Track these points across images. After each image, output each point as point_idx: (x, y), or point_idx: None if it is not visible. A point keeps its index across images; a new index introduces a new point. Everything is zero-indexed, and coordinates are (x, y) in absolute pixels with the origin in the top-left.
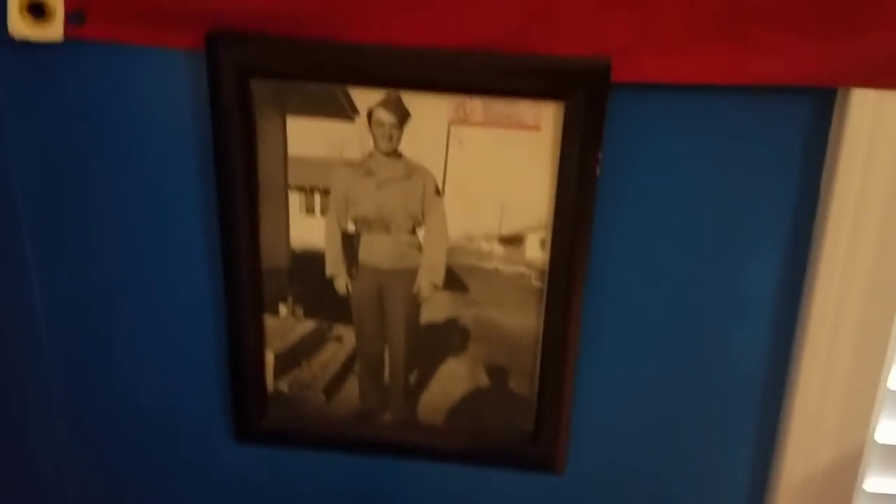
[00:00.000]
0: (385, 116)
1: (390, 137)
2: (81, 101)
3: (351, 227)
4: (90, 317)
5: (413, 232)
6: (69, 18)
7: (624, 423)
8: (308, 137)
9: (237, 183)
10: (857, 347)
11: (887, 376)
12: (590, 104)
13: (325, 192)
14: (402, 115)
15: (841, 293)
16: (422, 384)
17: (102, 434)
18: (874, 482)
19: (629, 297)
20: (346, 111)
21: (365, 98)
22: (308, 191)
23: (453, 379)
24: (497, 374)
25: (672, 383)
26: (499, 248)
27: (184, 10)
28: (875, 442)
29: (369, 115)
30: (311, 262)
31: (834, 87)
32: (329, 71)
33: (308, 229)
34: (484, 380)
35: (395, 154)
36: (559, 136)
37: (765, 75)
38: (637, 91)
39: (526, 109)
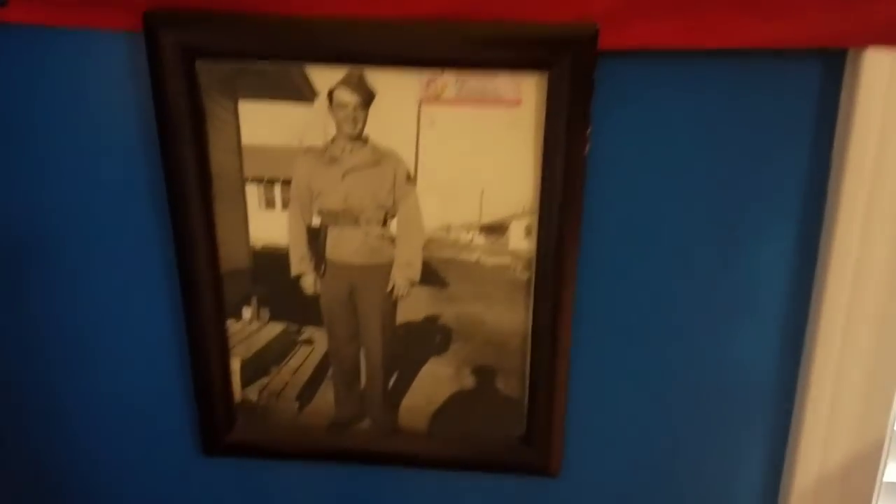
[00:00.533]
0: (347, 97)
1: (354, 120)
2: (6, 91)
3: (316, 221)
4: (32, 335)
5: (384, 224)
6: None
7: (623, 420)
8: (264, 124)
9: (188, 177)
10: (874, 331)
11: None
12: (576, 74)
13: (286, 184)
14: (367, 95)
15: (857, 275)
16: (402, 388)
17: (59, 457)
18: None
19: (625, 285)
20: (303, 93)
21: (324, 77)
22: (267, 182)
23: (436, 381)
24: (483, 374)
25: (674, 376)
26: (480, 239)
27: None
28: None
29: (330, 97)
30: (274, 260)
31: (847, 48)
32: (283, 48)
33: (269, 225)
34: (469, 381)
35: (361, 139)
36: (543, 110)
37: (773, 38)
38: (627, 59)
39: (505, 83)
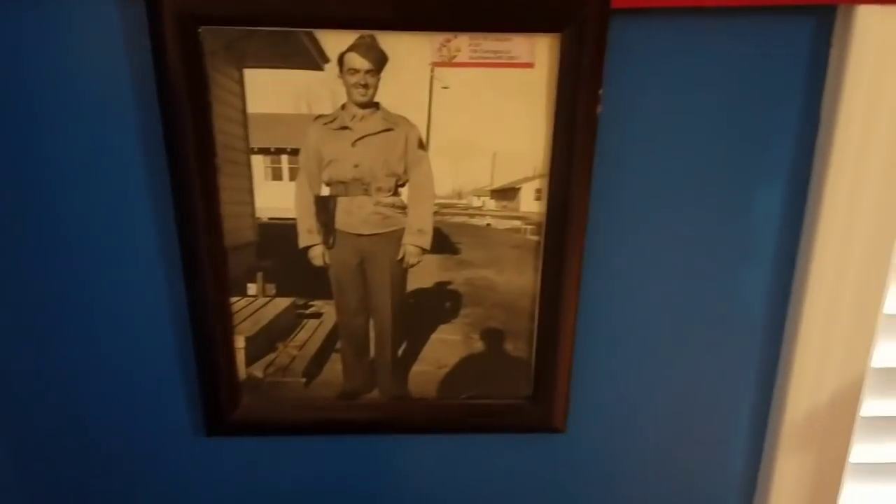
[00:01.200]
0: (359, 62)
1: (366, 86)
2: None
3: (325, 191)
4: (32, 314)
5: (395, 192)
6: None
7: (625, 374)
8: (270, 91)
9: (190, 149)
10: (859, 276)
11: (885, 303)
12: (589, 35)
13: (294, 154)
14: (379, 60)
15: (845, 223)
16: (411, 356)
17: (58, 438)
18: (870, 405)
19: (631, 243)
20: (313, 59)
21: (335, 42)
22: (274, 153)
23: (446, 347)
24: (492, 337)
25: (675, 327)
26: (491, 203)
27: None
28: (871, 367)
29: (340, 62)
30: (281, 233)
31: (840, 4)
32: (291, 13)
33: (276, 196)
34: (478, 345)
35: (372, 105)
36: (556, 72)
37: None
38: (636, 19)
39: (518, 45)
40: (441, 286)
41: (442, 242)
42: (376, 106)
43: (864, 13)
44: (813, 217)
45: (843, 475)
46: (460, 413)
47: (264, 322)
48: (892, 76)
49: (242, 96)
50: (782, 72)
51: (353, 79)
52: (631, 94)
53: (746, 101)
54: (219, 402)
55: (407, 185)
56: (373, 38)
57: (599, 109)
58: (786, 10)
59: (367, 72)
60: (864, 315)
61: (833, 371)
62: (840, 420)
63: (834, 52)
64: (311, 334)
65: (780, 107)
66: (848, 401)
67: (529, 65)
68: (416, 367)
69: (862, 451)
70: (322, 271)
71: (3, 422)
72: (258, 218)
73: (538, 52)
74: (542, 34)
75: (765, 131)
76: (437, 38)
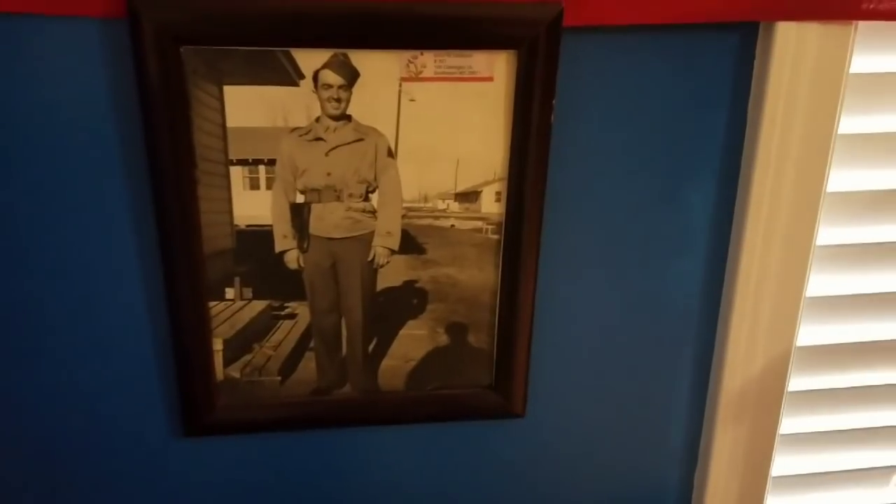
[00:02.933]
0: (332, 78)
1: (338, 100)
2: None
3: (300, 198)
4: (14, 318)
5: (366, 198)
6: None
7: (578, 361)
8: (248, 106)
9: (171, 163)
10: (784, 264)
11: (806, 288)
12: (543, 51)
13: (271, 164)
14: (351, 76)
15: (769, 218)
16: (381, 351)
17: (36, 440)
18: (796, 381)
19: (581, 239)
20: (289, 75)
21: (310, 60)
22: (251, 163)
23: (413, 342)
24: (456, 331)
25: (621, 315)
26: (454, 205)
27: None
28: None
29: (315, 78)
30: (258, 239)
31: (762, 21)
32: (269, 33)
33: (253, 205)
34: (443, 339)
35: (345, 117)
36: (513, 85)
37: (702, 13)
38: (584, 35)
39: (478, 61)
40: (408, 284)
41: (409, 243)
42: (348, 118)
43: (782, 29)
44: (741, 211)
45: (774, 445)
46: (427, 403)
47: (241, 325)
48: (807, 84)
49: (222, 111)
50: (712, 80)
51: (327, 93)
52: (581, 103)
53: (681, 106)
54: (197, 403)
55: (377, 190)
56: (345, 56)
57: (553, 118)
58: (715, 26)
59: (340, 87)
60: (788, 299)
61: (761, 351)
62: (770, 395)
63: (757, 63)
64: (285, 335)
65: (710, 111)
66: (776, 377)
67: (489, 79)
68: (386, 362)
69: (790, 423)
70: (296, 274)
71: None
72: (236, 225)
73: (497, 67)
74: (500, 51)
75: (698, 134)
76: (405, 56)
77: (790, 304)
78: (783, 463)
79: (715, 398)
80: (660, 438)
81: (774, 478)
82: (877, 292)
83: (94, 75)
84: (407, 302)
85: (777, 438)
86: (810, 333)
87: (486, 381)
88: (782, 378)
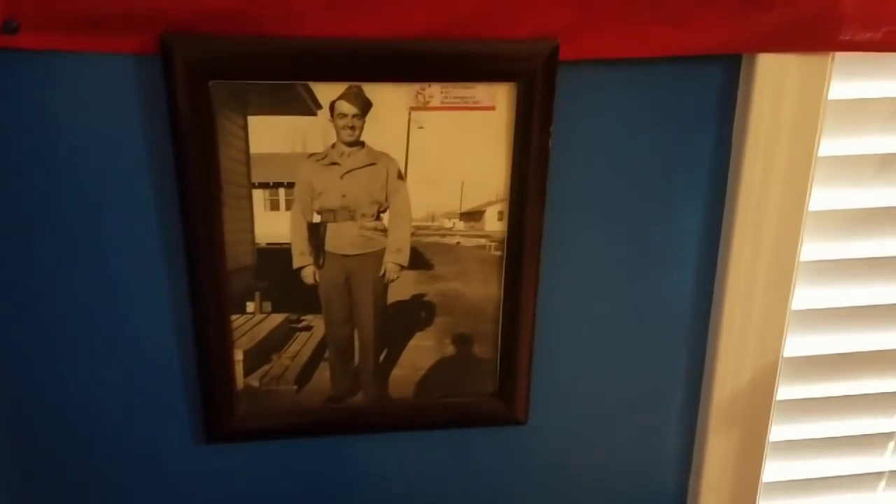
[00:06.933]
0: (347, 108)
1: (353, 128)
2: (23, 113)
3: (316, 218)
4: (44, 326)
5: (378, 217)
6: (2, 29)
7: (578, 370)
8: (270, 134)
9: (199, 187)
10: (770, 279)
11: (792, 301)
12: (541, 82)
13: (290, 187)
14: (364, 106)
15: (754, 237)
16: (391, 361)
17: (63, 445)
18: (784, 390)
19: (579, 254)
20: (308, 106)
21: (327, 92)
22: (272, 186)
23: (421, 352)
24: (462, 342)
25: (618, 326)
26: (460, 224)
27: (127, 14)
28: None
29: (331, 108)
30: (277, 256)
31: (745, 53)
32: (290, 68)
33: (273, 224)
34: (450, 349)
35: (358, 143)
36: (513, 113)
37: (689, 47)
38: (579, 68)
39: (482, 91)
40: (417, 298)
41: (418, 259)
42: (362, 144)
43: (763, 59)
44: (728, 230)
45: (764, 452)
46: (435, 411)
47: (261, 336)
48: (788, 110)
49: (246, 139)
50: (699, 107)
51: (342, 122)
52: (577, 129)
53: (670, 131)
54: (218, 411)
55: (388, 211)
56: (359, 88)
57: (551, 143)
58: (701, 59)
59: (354, 116)
60: (775, 312)
61: (750, 361)
62: (759, 404)
63: (740, 92)
64: (302, 346)
65: (698, 136)
66: (764, 387)
67: (491, 108)
68: (396, 372)
69: (780, 430)
70: (312, 289)
71: (3, 429)
72: (257, 243)
73: (498, 97)
74: (502, 83)
75: (687, 157)
76: (414, 87)
77: (777, 317)
78: (774, 469)
79: (707, 407)
80: (655, 445)
81: (766, 483)
82: (859, 305)
83: (128, 107)
84: (416, 314)
85: (767, 445)
86: (796, 344)
87: (490, 389)
88: (771, 387)
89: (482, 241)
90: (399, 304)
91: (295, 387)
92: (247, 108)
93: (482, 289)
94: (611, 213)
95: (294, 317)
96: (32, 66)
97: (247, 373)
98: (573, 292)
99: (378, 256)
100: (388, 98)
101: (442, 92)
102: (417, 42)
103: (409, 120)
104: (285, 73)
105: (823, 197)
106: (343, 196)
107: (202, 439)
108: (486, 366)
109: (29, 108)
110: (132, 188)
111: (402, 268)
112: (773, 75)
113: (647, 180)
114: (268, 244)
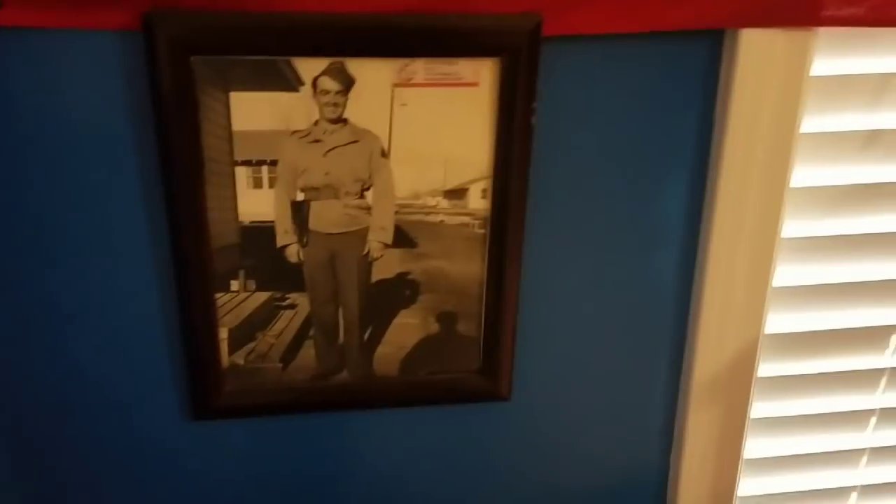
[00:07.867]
0: (330, 84)
1: (336, 105)
2: (2, 91)
3: (300, 196)
4: (29, 306)
5: (361, 195)
6: None
7: (561, 347)
8: (253, 111)
9: (181, 165)
10: (751, 256)
11: (773, 278)
12: (524, 58)
13: (273, 164)
14: (347, 82)
15: (736, 213)
16: (376, 339)
17: (48, 424)
18: (765, 367)
19: (563, 232)
20: (290, 82)
21: (309, 68)
22: (255, 164)
23: (406, 330)
24: (446, 319)
25: (601, 303)
26: (444, 202)
27: None
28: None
29: (314, 85)
30: (261, 234)
31: (728, 29)
32: (272, 43)
33: (257, 203)
34: (434, 327)
35: (342, 121)
36: (497, 90)
37: (673, 22)
38: (564, 43)
39: (465, 68)
40: (401, 276)
41: (402, 238)
42: (345, 121)
43: (746, 35)
44: (710, 207)
45: (745, 428)
46: (419, 388)
47: (245, 314)
48: (771, 86)
49: (228, 116)
50: (682, 84)
51: (325, 99)
52: (560, 106)
53: (654, 108)
54: (205, 388)
55: (371, 188)
56: (342, 64)
57: (534, 120)
58: (684, 33)
59: (337, 92)
60: (756, 289)
61: (731, 338)
62: (740, 380)
63: (723, 67)
64: (287, 324)
65: (681, 113)
66: (746, 363)
67: (475, 84)
68: (381, 349)
69: (761, 407)
70: (297, 267)
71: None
72: (241, 222)
73: (482, 74)
74: (485, 58)
75: (669, 134)
76: (397, 63)
77: (758, 294)
78: (755, 445)
79: (688, 383)
80: (638, 421)
81: (747, 460)
82: (841, 282)
83: (110, 83)
84: (400, 293)
85: (748, 422)
86: (778, 321)
87: (474, 366)
88: (752, 364)
89: (466, 219)
90: (383, 282)
91: (280, 364)
92: (229, 84)
93: (466, 267)
94: (594, 190)
95: (279, 295)
96: (14, 43)
97: (232, 351)
98: (556, 270)
99: (362, 235)
100: (372, 74)
101: (425, 68)
102: (401, 17)
103: (393, 97)
104: (267, 49)
105: (805, 174)
106: (326, 174)
107: (189, 416)
108: (470, 343)
109: (9, 86)
110: (114, 166)
111: (387, 246)
112: (757, 51)
113: (630, 157)
114: (251, 222)
